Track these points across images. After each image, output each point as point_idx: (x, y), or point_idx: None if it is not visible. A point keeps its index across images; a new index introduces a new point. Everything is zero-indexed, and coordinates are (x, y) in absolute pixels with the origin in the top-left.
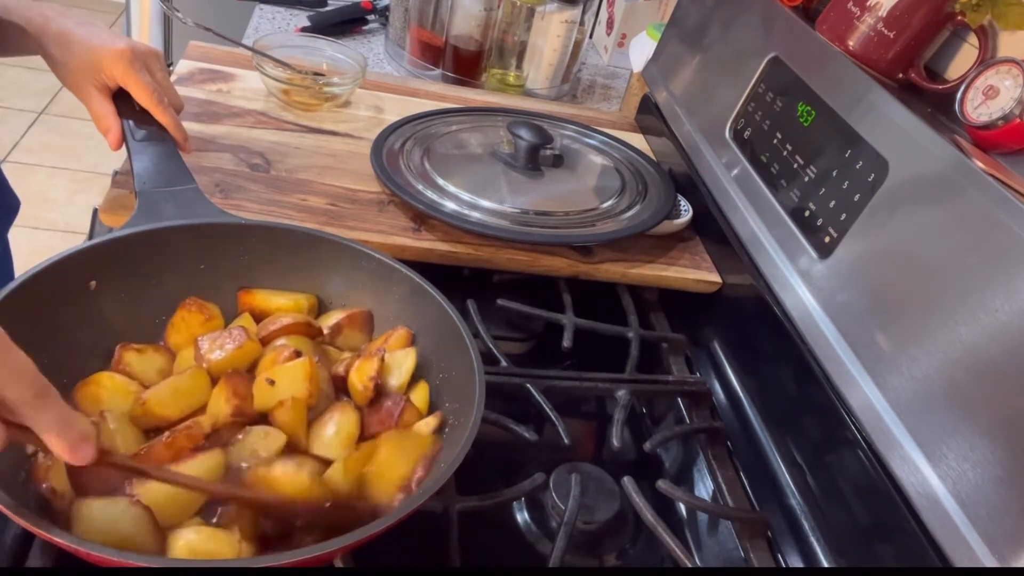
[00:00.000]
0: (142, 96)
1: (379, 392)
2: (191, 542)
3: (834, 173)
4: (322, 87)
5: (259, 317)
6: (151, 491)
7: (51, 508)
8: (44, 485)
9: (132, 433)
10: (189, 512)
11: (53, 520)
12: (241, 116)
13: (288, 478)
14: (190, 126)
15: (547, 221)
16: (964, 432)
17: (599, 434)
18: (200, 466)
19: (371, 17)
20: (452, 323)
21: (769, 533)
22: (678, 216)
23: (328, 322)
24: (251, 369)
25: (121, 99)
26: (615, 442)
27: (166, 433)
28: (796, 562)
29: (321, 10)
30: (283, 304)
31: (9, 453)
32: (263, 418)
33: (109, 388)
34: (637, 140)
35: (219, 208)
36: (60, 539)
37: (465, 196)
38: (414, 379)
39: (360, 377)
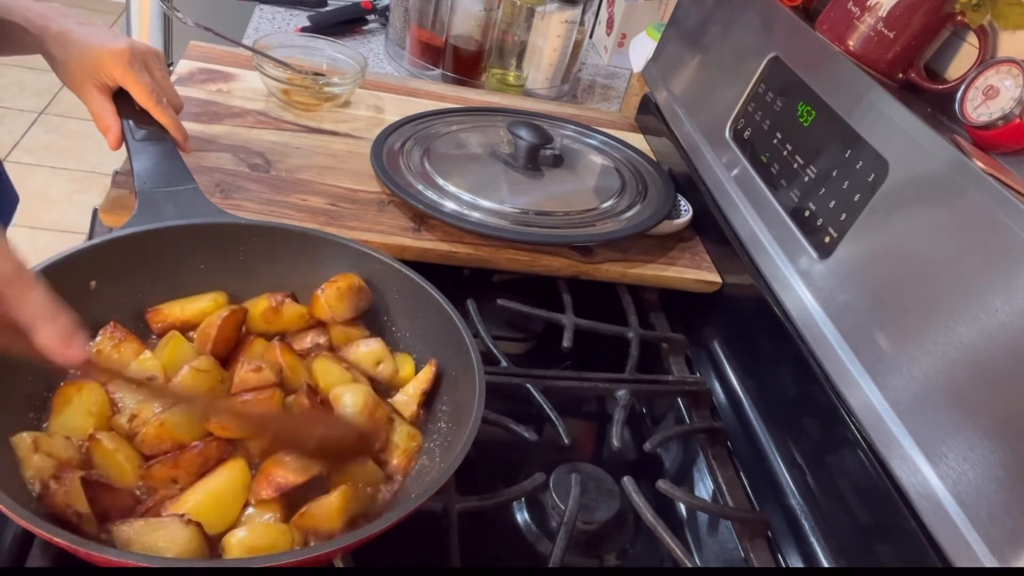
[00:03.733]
0: (141, 96)
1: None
2: (245, 540)
3: (834, 173)
4: (322, 87)
5: (184, 328)
6: (194, 505)
7: (82, 533)
8: (68, 509)
9: (130, 452)
10: (233, 515)
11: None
12: (241, 116)
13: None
14: (190, 126)
15: (547, 221)
16: (964, 432)
17: (599, 434)
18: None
19: (371, 17)
20: (452, 323)
21: (769, 533)
22: (678, 216)
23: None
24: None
25: (121, 99)
26: (615, 442)
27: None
28: (796, 562)
29: (321, 10)
30: (205, 307)
31: (9, 454)
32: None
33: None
34: (637, 140)
35: (219, 208)
36: (60, 539)
37: (465, 196)
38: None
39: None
